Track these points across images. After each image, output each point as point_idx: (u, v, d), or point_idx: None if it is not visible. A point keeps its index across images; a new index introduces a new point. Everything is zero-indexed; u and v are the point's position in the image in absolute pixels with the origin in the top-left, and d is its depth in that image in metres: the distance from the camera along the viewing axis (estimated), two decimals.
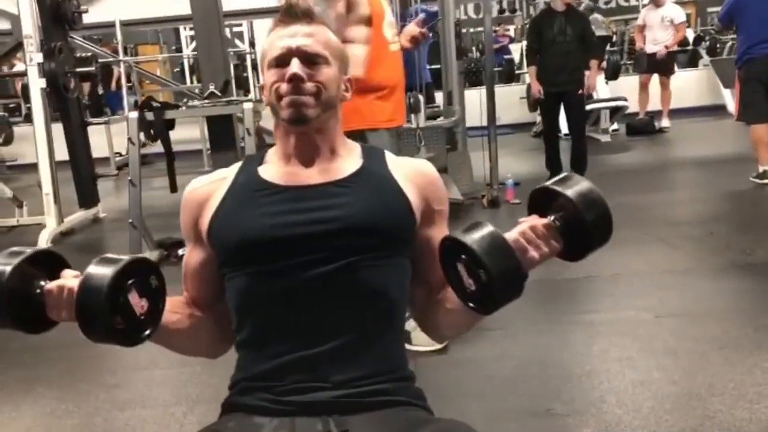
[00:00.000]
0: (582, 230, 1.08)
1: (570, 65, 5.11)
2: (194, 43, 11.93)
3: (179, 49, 11.54)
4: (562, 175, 1.14)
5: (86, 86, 10.04)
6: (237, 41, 10.13)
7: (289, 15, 1.20)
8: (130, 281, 1.02)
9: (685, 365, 2.45)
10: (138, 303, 1.04)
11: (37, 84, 4.93)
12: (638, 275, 3.46)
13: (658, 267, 3.54)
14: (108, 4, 8.75)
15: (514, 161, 6.96)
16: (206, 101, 4.35)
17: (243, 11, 9.23)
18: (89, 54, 5.66)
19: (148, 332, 1.06)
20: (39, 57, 4.91)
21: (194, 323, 1.22)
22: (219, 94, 4.36)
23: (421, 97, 4.61)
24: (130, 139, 4.03)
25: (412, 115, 4.39)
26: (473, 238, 1.03)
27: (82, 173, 5.56)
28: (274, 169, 1.23)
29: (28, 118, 6.64)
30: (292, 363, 1.13)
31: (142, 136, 4.16)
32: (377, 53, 2.51)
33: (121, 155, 8.97)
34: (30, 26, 4.95)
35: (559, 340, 2.73)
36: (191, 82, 9.25)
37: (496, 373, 2.50)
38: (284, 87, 1.16)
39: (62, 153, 5.50)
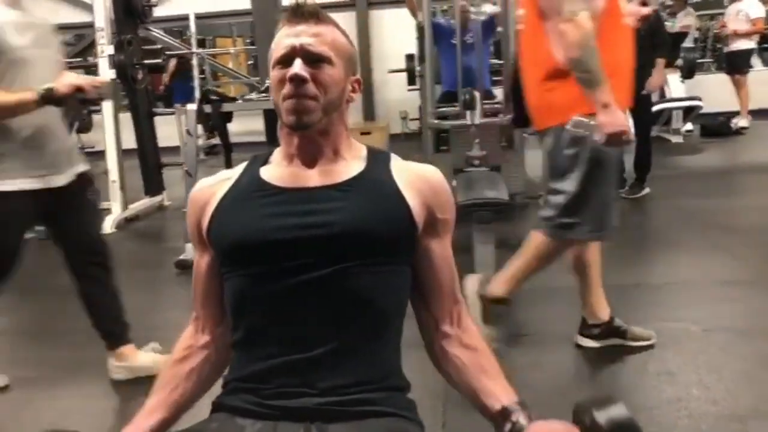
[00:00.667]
0: None
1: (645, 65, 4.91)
2: None
3: (253, 42, 11.81)
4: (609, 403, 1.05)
5: (164, 77, 10.49)
6: None
7: (296, 15, 1.19)
8: None
9: (729, 384, 2.32)
10: None
11: (106, 75, 5.14)
12: (691, 285, 3.32)
13: (713, 277, 3.38)
14: None
15: None
16: (263, 95, 4.42)
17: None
18: (158, 46, 5.82)
19: None
20: (110, 49, 5.12)
21: (196, 382, 1.26)
22: None
23: (477, 94, 4.54)
24: (188, 131, 4.14)
25: (468, 112, 4.33)
26: None
27: (149, 162, 5.76)
28: (276, 170, 1.23)
29: None
30: (280, 367, 1.13)
31: (200, 128, 4.27)
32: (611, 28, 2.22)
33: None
34: (102, 20, 5.17)
35: (596, 350, 2.64)
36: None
37: (528, 381, 2.45)
38: (287, 87, 1.16)
39: (132, 141, 5.73)
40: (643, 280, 3.42)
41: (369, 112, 9.75)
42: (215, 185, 1.26)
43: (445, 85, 5.23)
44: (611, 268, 3.68)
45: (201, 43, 11.42)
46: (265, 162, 1.26)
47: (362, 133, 8.88)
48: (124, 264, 3.96)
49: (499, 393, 1.18)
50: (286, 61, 1.16)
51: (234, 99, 4.51)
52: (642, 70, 4.92)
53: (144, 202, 5.69)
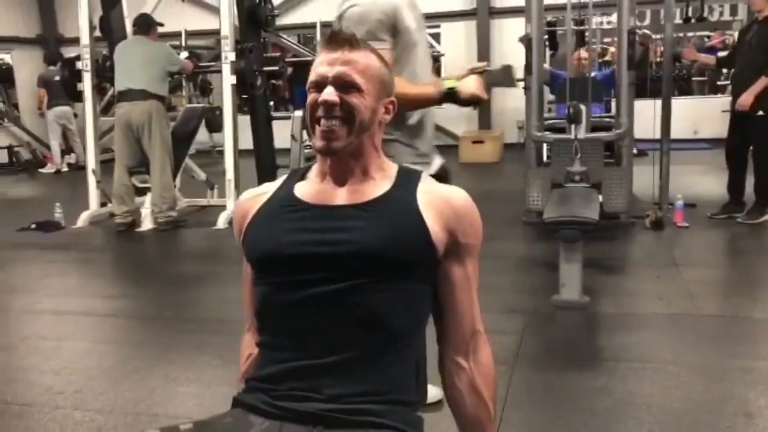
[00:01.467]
0: None
1: (753, 80, 4.59)
2: None
3: None
4: None
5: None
6: (434, 42, 10.37)
7: (331, 41, 1.26)
8: None
9: None
10: None
11: (228, 80, 5.49)
12: None
13: None
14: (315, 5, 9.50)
15: (698, 179, 6.43)
16: None
17: (430, 14, 9.44)
18: (277, 54, 6.12)
19: None
20: (232, 56, 5.45)
21: None
22: None
23: (583, 108, 4.44)
24: (292, 135, 4.35)
25: (572, 126, 4.23)
26: None
27: (264, 163, 6.05)
28: (308, 186, 1.30)
29: None
30: (291, 371, 1.20)
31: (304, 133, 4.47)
32: None
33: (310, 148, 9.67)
34: (227, 28, 5.51)
35: (673, 383, 2.52)
36: None
37: (590, 406, 2.39)
38: (319, 110, 1.23)
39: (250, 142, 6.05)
40: (743, 312, 3.22)
41: (485, 121, 9.70)
42: (254, 198, 1.33)
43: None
44: (713, 296, 3.51)
45: None
46: (302, 177, 1.34)
47: (474, 142, 8.89)
48: (229, 259, 4.24)
49: None
50: (319, 86, 1.24)
51: None
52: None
53: None
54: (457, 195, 1.28)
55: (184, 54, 6.76)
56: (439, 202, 1.25)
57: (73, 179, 8.49)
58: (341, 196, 1.26)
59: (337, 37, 1.27)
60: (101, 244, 5.50)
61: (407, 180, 1.30)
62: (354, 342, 1.19)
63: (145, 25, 5.67)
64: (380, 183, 1.28)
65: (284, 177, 1.38)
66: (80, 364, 2.91)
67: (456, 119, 9.01)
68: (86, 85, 5.92)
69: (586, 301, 3.34)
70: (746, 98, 4.58)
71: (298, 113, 4.40)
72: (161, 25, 5.88)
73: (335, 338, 1.19)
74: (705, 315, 3.21)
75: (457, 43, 10.00)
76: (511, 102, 8.90)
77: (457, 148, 8.87)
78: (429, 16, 9.58)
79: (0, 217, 6.50)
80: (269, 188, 1.35)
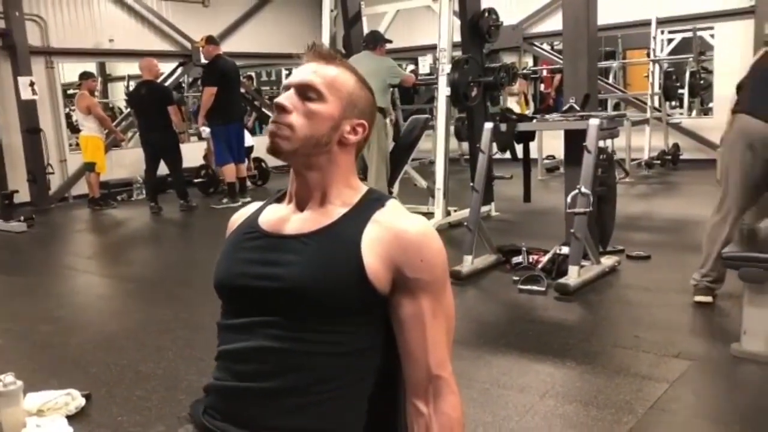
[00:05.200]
0: None
1: None
2: (670, 47, 11.62)
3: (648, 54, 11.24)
4: None
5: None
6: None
7: (308, 55, 1.27)
8: None
9: None
10: None
11: (443, 92, 5.60)
12: None
13: None
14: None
15: None
16: (564, 114, 4.31)
17: (616, 25, 8.57)
18: (498, 64, 6.07)
19: None
20: (448, 68, 5.56)
21: None
22: (578, 108, 4.28)
23: None
24: (479, 147, 4.30)
25: None
26: None
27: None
28: (273, 211, 1.31)
29: None
30: (217, 390, 1.24)
31: (494, 146, 4.38)
32: None
33: (553, 158, 9.38)
34: (445, 42, 5.62)
35: None
36: (659, 89, 8.93)
37: None
38: (274, 114, 1.25)
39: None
40: None
41: None
42: (236, 219, 1.38)
43: None
44: None
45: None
46: (279, 200, 1.35)
47: None
48: None
49: None
50: (284, 89, 1.25)
51: (531, 118, 4.48)
52: None
53: (466, 212, 6.02)
54: (408, 226, 1.19)
55: (411, 67, 7.04)
56: (386, 234, 1.18)
57: None
58: (293, 225, 1.25)
59: (314, 51, 1.27)
60: None
61: (365, 208, 1.23)
62: (281, 376, 1.17)
63: (373, 41, 6.06)
64: (334, 210, 1.23)
65: (271, 198, 1.40)
66: None
67: None
68: None
69: None
70: None
71: (488, 125, 4.32)
72: (389, 41, 6.21)
73: (265, 369, 1.18)
74: None
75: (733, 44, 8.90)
76: None
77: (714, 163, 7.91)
78: (701, 17, 8.80)
79: None
80: (254, 208, 1.38)
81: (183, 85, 11.73)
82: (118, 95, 13.41)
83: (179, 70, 10.61)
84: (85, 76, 8.37)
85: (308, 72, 1.23)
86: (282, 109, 1.21)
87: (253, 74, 13.40)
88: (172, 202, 8.06)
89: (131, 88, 12.79)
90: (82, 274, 5.42)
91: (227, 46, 10.01)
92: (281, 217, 1.27)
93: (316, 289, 1.15)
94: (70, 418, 2.58)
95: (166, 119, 7.61)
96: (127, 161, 9.44)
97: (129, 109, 9.71)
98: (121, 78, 13.35)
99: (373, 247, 1.16)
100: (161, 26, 10.20)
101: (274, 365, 1.17)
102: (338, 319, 1.17)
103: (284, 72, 14.50)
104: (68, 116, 10.02)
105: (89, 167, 8.26)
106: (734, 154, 3.37)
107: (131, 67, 11.85)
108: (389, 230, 1.18)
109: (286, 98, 1.22)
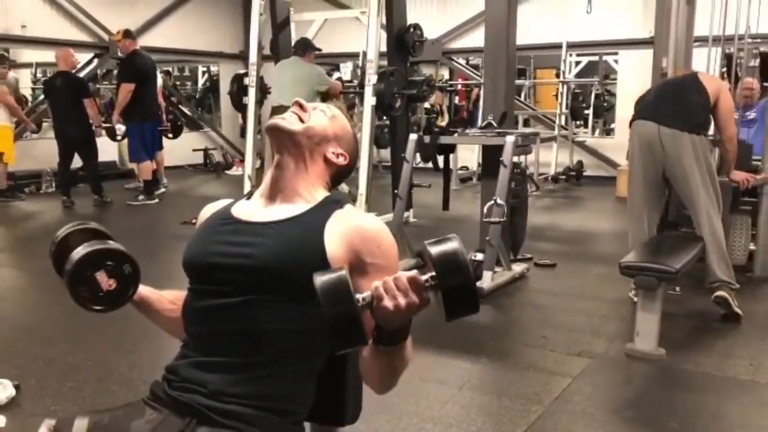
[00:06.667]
0: (445, 293, 1.10)
1: None
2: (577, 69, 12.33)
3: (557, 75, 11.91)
4: (443, 237, 1.13)
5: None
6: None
7: None
8: (105, 263, 1.41)
9: None
10: (105, 281, 1.42)
11: (369, 101, 5.81)
12: None
13: None
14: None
15: None
16: (483, 130, 4.61)
17: (530, 46, 9.21)
18: (421, 78, 6.35)
19: (100, 308, 1.44)
20: (374, 79, 5.77)
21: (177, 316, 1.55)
22: (494, 124, 4.59)
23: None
24: (404, 157, 4.53)
25: None
26: None
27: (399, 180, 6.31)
28: (247, 203, 1.50)
29: None
30: (189, 365, 1.37)
31: (417, 156, 4.63)
32: None
33: (467, 169, 9.79)
34: (372, 53, 5.82)
35: None
36: (565, 108, 9.53)
37: None
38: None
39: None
40: None
41: None
42: (209, 209, 1.55)
43: None
44: None
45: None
46: (250, 196, 1.53)
47: None
48: None
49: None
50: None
51: (452, 132, 4.75)
52: None
53: (388, 216, 6.25)
54: (366, 221, 1.41)
55: (336, 75, 7.24)
56: (346, 226, 1.37)
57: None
58: (262, 214, 1.42)
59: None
60: None
61: (327, 206, 1.42)
62: (242, 350, 1.33)
63: (303, 47, 6.20)
64: (301, 205, 1.42)
65: (241, 197, 1.57)
66: None
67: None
68: (250, 98, 6.56)
69: (661, 354, 3.14)
70: None
71: (413, 136, 4.56)
72: (318, 50, 6.37)
73: (228, 344, 1.34)
74: None
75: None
76: None
77: (614, 180, 8.53)
78: (607, 43, 9.41)
79: (177, 210, 7.37)
80: (228, 201, 1.55)
81: (98, 77, 11.41)
82: (24, 83, 12.86)
83: (95, 62, 10.33)
84: None
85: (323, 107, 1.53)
86: (300, 107, 1.48)
87: (170, 69, 13.19)
88: (84, 195, 7.88)
89: (42, 77, 12.39)
90: None
91: (146, 41, 9.88)
92: (253, 209, 1.45)
93: (282, 268, 1.32)
94: (1, 408, 2.60)
95: (81, 112, 7.45)
96: (36, 152, 9.12)
97: (39, 99, 9.37)
98: (28, 65, 12.83)
99: (335, 236, 1.35)
100: (78, 15, 9.92)
101: (238, 340, 1.33)
102: (300, 298, 1.32)
103: (201, 69, 14.38)
104: None
105: None
106: (633, 156, 3.88)
107: (38, 54, 11.46)
108: (349, 224, 1.38)
109: (300, 101, 1.51)
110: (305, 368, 1.39)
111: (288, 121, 1.46)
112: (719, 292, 3.58)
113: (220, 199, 1.58)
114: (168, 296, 1.57)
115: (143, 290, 1.52)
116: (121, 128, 7.78)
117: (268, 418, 1.33)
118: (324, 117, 1.50)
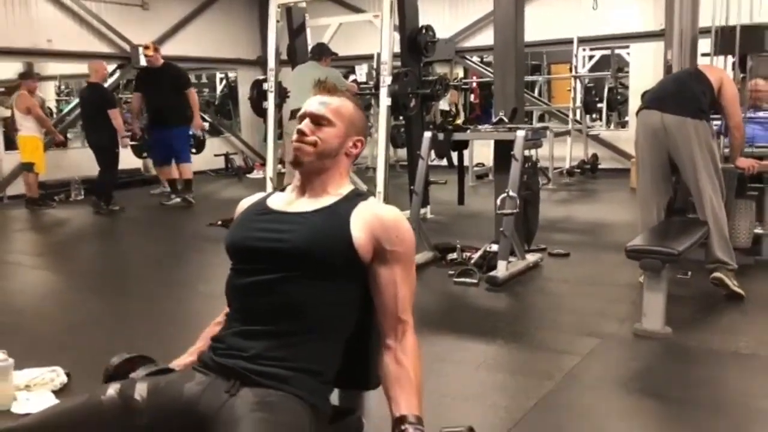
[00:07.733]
0: None
1: None
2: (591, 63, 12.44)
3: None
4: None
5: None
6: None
7: (316, 88, 1.73)
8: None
9: None
10: None
11: (384, 102, 6.01)
12: None
13: None
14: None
15: None
16: (494, 126, 4.79)
17: (542, 42, 9.32)
18: (434, 77, 6.54)
19: None
20: (389, 80, 5.97)
21: None
22: (506, 120, 4.77)
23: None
24: (419, 154, 4.73)
25: None
26: None
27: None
28: (281, 196, 1.72)
29: None
30: (233, 334, 1.59)
31: (432, 153, 4.82)
32: None
33: (483, 165, 9.95)
34: (386, 55, 6.03)
35: None
36: (580, 102, 9.65)
37: None
38: (295, 136, 1.66)
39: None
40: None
41: None
42: (247, 202, 1.78)
43: None
44: None
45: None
46: (284, 189, 1.76)
47: None
48: None
49: (402, 404, 1.51)
50: (302, 118, 1.68)
51: (465, 129, 4.94)
52: None
53: (404, 214, 6.44)
54: (388, 212, 1.61)
55: (352, 77, 7.45)
56: (370, 216, 1.58)
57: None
58: (296, 205, 1.65)
59: (320, 86, 1.72)
60: None
61: (353, 198, 1.64)
62: (278, 320, 1.55)
63: (320, 52, 6.43)
64: (330, 198, 1.64)
65: (274, 189, 1.80)
66: None
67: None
68: (270, 103, 6.79)
69: (668, 332, 3.30)
70: None
71: (428, 133, 4.76)
72: (335, 54, 6.59)
73: (266, 315, 1.56)
74: None
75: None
76: None
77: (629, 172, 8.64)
78: (618, 37, 9.51)
79: (201, 213, 7.63)
80: (262, 195, 1.77)
81: (120, 87, 11.74)
82: (49, 95, 13.25)
83: (117, 73, 10.65)
84: (24, 76, 8.39)
85: (318, 104, 1.67)
86: (303, 134, 1.64)
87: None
88: (134, 198, 8.20)
89: (65, 89, 12.76)
90: (32, 270, 5.55)
91: (165, 50, 10.15)
92: (286, 201, 1.68)
93: (313, 250, 1.54)
94: (56, 393, 2.83)
95: (104, 121, 7.72)
96: (65, 162, 9.45)
97: (64, 111, 9.69)
98: (52, 77, 13.21)
99: (360, 225, 1.56)
100: (100, 28, 10.23)
101: (274, 312, 1.54)
102: (329, 276, 1.55)
103: (219, 76, 14.67)
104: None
105: (27, 167, 8.26)
106: (639, 145, 4.08)
107: (62, 67, 11.80)
108: (373, 214, 1.59)
109: (305, 125, 1.64)
110: (333, 335, 1.60)
111: (302, 151, 1.62)
112: (716, 274, 3.76)
113: (254, 194, 1.80)
114: (215, 328, 1.73)
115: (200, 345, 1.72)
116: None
117: (301, 378, 1.54)
118: (332, 122, 1.64)
